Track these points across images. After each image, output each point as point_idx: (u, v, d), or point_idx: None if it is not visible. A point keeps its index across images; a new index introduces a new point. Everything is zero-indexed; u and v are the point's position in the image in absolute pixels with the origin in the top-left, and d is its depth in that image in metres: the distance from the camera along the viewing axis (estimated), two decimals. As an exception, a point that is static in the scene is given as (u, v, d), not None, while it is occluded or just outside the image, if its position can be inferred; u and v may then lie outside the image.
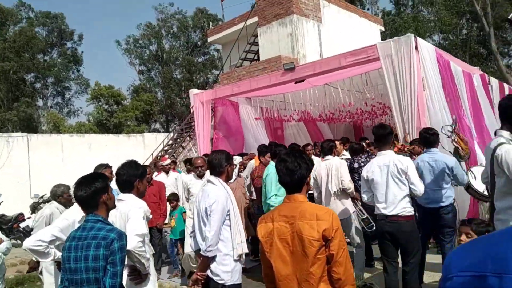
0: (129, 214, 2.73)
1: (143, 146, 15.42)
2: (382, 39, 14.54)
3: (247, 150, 8.85)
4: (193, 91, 16.75)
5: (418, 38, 6.32)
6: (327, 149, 4.98)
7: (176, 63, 39.76)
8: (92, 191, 2.26)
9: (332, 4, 14.58)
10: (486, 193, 4.52)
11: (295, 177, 2.09)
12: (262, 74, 10.71)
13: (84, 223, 2.24)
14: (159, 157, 12.58)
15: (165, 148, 13.97)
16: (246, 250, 2.92)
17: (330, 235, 1.95)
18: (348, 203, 4.78)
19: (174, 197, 6.09)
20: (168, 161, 7.98)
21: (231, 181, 5.81)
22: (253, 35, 14.25)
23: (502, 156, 2.54)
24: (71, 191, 4.09)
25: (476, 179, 4.18)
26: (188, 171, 6.74)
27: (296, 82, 7.78)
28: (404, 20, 33.03)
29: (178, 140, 14.13)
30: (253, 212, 5.95)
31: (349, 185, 4.67)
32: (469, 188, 4.35)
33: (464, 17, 35.11)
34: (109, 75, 64.11)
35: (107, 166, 4.46)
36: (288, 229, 2.03)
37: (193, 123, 14.93)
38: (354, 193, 4.82)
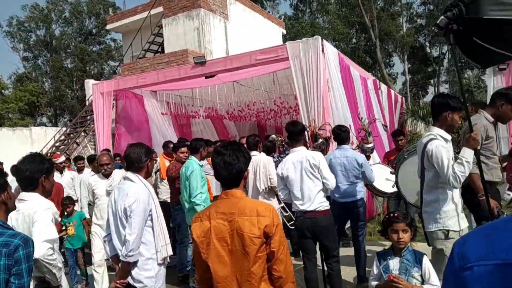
0: (35, 217, 2.34)
1: (30, 142, 13.77)
2: (283, 42, 15.09)
3: (154, 147, 8.44)
4: (90, 82, 15.54)
5: (324, 41, 6.63)
6: (252, 144, 4.90)
7: (67, 51, 36.47)
8: None
9: (238, 2, 14.68)
10: (384, 190, 4.93)
11: (234, 171, 1.95)
12: (167, 67, 10.32)
13: None
14: (49, 154, 11.36)
15: (57, 144, 12.71)
16: (170, 252, 2.70)
17: (271, 231, 1.86)
18: (274, 201, 4.80)
19: (70, 201, 5.27)
20: (62, 158, 7.21)
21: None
22: (158, 25, 13.67)
23: (432, 151, 2.73)
24: None
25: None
26: (96, 171, 6.19)
27: (206, 77, 7.62)
28: (302, 26, 34.86)
29: (72, 135, 12.94)
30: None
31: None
32: (367, 184, 4.68)
33: (354, 28, 38.38)
34: (-16, 59, 56.29)
35: None
36: (227, 227, 1.89)
37: (89, 117, 13.83)
38: None
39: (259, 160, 4.76)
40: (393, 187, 4.40)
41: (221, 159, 1.98)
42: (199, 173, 4.26)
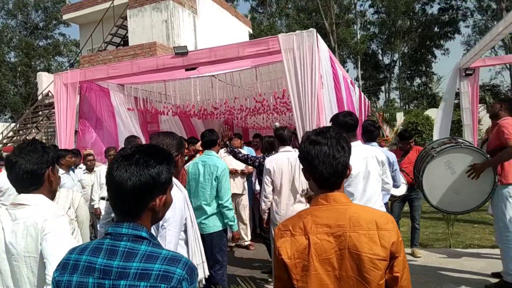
0: (46, 227, 1.67)
1: None
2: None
3: (121, 144, 7.67)
4: (42, 74, 14.25)
5: (318, 35, 6.26)
6: (287, 138, 4.33)
7: (10, 44, 33.77)
8: None
9: (206, -3, 14.08)
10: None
11: (339, 167, 1.47)
12: (133, 60, 9.51)
13: (111, 241, 1.21)
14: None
15: (4, 141, 11.40)
16: (207, 273, 2.12)
17: (397, 251, 1.40)
18: (306, 205, 4.32)
19: None
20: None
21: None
22: (121, 17, 12.73)
23: None
24: None
25: None
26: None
27: (186, 70, 6.98)
28: (261, 29, 34.75)
29: (21, 132, 11.67)
30: None
31: None
32: None
33: (312, 32, 38.82)
34: None
35: None
36: (333, 244, 1.40)
37: (40, 112, 12.60)
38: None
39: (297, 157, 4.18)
40: (417, 188, 4.09)
41: (319, 151, 1.48)
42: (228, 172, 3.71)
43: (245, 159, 4.92)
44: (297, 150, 4.62)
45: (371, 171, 3.10)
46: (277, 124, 5.62)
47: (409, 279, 1.43)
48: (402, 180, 4.48)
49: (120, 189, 1.21)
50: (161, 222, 1.91)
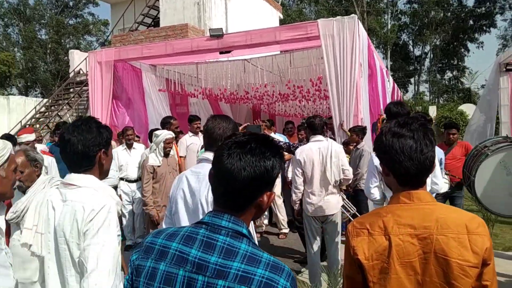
0: (95, 219, 1.55)
1: (7, 111, 12.29)
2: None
3: (151, 125, 7.66)
4: (74, 52, 14.40)
5: (359, 22, 6.03)
6: (319, 126, 4.13)
7: (41, 22, 34.29)
8: None
9: (238, -20, 13.85)
10: None
11: (427, 162, 1.33)
12: (166, 41, 9.45)
13: (207, 232, 1.10)
14: (28, 126, 10.31)
15: (37, 116, 11.58)
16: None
17: (490, 257, 1.26)
18: (339, 195, 4.21)
19: None
20: (32, 136, 5.20)
21: (157, 163, 4.70)
22: (154, -3, 12.69)
23: None
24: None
25: None
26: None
27: (221, 53, 6.87)
28: (288, 14, 34.19)
29: (53, 107, 11.85)
30: None
31: (351, 175, 4.08)
32: None
33: (342, 20, 38.03)
34: None
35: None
36: (417, 247, 1.27)
37: (72, 90, 12.76)
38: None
39: (330, 146, 4.03)
40: (467, 187, 3.90)
41: (404, 144, 1.33)
42: None
43: (287, 147, 4.78)
44: (328, 139, 4.47)
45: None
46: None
47: None
48: (444, 177, 4.28)
49: (231, 178, 1.08)
50: (173, 210, 1.87)
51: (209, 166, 1.93)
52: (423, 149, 1.33)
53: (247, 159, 1.09)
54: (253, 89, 8.33)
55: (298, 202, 4.20)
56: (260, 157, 1.10)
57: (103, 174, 1.77)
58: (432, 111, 16.14)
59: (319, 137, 4.13)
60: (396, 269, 1.26)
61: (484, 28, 37.44)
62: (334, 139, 6.33)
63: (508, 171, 3.69)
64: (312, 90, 8.23)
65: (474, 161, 3.81)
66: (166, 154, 4.79)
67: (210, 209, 1.84)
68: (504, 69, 9.10)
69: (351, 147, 5.72)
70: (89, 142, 1.69)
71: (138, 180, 5.67)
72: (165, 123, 5.75)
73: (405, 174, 1.34)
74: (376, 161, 2.98)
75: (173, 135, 4.99)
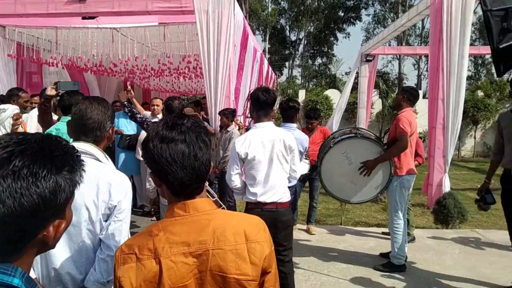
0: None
1: None
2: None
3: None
4: None
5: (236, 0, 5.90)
6: (178, 109, 4.00)
7: None
8: None
9: None
10: None
11: (202, 168, 1.19)
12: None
13: None
14: None
15: None
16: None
17: (270, 264, 1.19)
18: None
19: None
20: None
21: None
22: None
23: None
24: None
25: None
26: None
27: (83, 18, 6.09)
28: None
29: None
30: None
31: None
32: None
33: None
34: None
35: None
36: (192, 266, 1.13)
37: None
38: None
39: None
40: (316, 176, 4.14)
41: (176, 151, 1.16)
42: None
43: (141, 122, 4.53)
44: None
45: (277, 155, 2.93)
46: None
47: None
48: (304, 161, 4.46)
49: None
50: (115, 212, 1.67)
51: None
52: (197, 153, 1.17)
53: (6, 187, 0.76)
54: (121, 63, 7.64)
55: None
56: (30, 180, 0.78)
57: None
58: (302, 95, 17.16)
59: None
60: None
61: (352, 20, 41.13)
62: (207, 120, 6.21)
63: (350, 160, 4.02)
64: (183, 67, 7.91)
65: (322, 152, 4.09)
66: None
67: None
68: (365, 59, 10.06)
69: (223, 131, 5.64)
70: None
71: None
72: (11, 95, 4.90)
73: (179, 184, 1.17)
74: (238, 148, 2.87)
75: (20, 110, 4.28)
